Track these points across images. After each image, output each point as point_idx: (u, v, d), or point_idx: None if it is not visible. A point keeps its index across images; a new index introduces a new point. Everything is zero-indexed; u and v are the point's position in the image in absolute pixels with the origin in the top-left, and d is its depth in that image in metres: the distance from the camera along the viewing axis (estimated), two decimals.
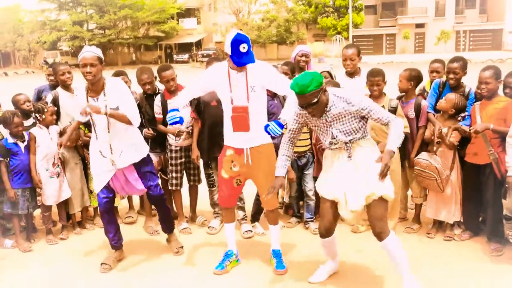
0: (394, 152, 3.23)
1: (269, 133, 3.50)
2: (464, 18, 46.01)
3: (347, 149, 3.36)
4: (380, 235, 3.31)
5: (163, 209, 4.27)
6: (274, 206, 3.98)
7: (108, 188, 3.96)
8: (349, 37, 40.71)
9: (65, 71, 4.77)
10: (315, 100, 3.13)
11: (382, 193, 3.28)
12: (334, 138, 3.33)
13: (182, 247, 4.36)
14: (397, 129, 3.23)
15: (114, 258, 4.14)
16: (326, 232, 3.54)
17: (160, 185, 4.53)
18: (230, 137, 3.81)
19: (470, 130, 4.01)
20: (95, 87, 3.78)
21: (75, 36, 44.21)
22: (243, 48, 3.41)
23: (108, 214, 4.05)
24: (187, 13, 47.70)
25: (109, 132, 3.80)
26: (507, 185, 3.79)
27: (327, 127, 3.34)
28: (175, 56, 44.21)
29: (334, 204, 3.46)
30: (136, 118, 3.86)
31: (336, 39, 41.26)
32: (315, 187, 3.94)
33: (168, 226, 4.37)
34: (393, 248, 3.33)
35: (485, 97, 4.06)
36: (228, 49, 3.47)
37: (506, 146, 3.82)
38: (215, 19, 46.57)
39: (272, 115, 4.24)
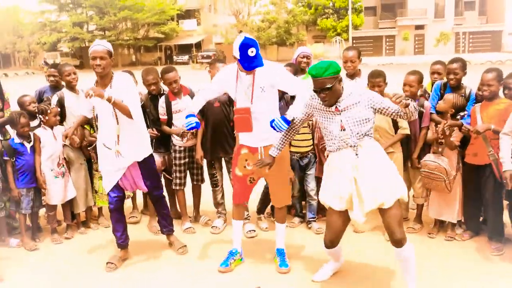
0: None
1: (274, 128, 3.53)
2: (464, 19, 46.11)
3: (354, 146, 3.26)
4: (400, 242, 3.20)
5: (163, 210, 4.31)
6: (283, 203, 4.02)
7: (118, 187, 4.02)
8: (349, 38, 40.79)
9: (70, 71, 4.82)
10: (330, 85, 3.13)
11: (395, 198, 3.22)
12: (343, 130, 3.27)
13: (185, 246, 4.38)
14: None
15: (119, 257, 4.18)
16: (331, 244, 3.55)
17: (164, 185, 4.59)
18: (245, 136, 3.85)
19: (471, 130, 4.04)
20: (103, 81, 3.85)
21: (75, 37, 44.26)
22: (251, 52, 3.44)
23: (118, 212, 4.11)
24: (187, 14, 47.78)
25: (118, 123, 3.84)
26: (504, 181, 3.77)
27: (335, 115, 3.29)
28: (175, 57, 44.26)
29: (341, 217, 3.40)
30: (136, 113, 3.80)
31: (335, 41, 41.38)
32: (317, 189, 3.95)
33: (167, 227, 4.39)
34: (409, 256, 3.28)
35: (486, 98, 4.10)
36: (236, 54, 3.50)
37: (500, 141, 3.82)
38: (215, 20, 46.59)
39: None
